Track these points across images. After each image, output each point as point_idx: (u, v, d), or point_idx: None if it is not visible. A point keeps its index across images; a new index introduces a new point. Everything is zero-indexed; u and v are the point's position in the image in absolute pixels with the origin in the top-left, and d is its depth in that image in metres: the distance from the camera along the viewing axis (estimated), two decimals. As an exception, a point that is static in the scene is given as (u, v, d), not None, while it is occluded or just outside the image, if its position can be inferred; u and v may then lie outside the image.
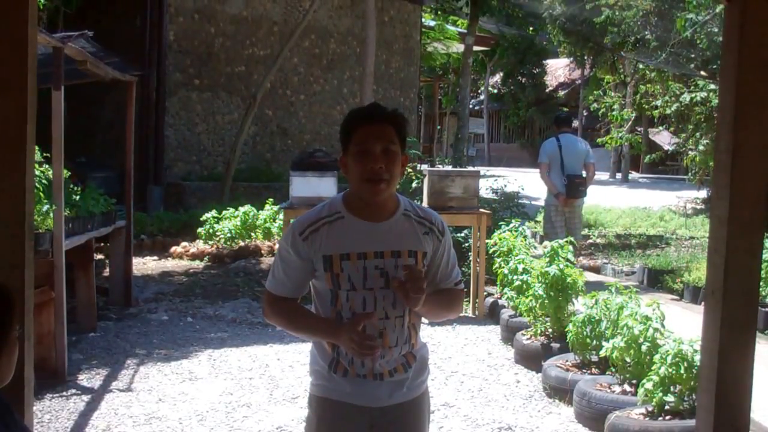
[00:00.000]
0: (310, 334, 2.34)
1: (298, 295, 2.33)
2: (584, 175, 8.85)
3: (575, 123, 33.77)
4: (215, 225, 10.20)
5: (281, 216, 9.20)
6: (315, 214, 2.28)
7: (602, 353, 4.66)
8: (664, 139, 27.59)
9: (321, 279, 2.26)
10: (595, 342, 4.95)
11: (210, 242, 10.21)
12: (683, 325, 5.51)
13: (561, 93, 34.26)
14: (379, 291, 2.23)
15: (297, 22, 13.51)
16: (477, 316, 7.44)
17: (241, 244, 10.19)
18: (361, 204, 2.26)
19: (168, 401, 4.97)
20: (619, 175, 25.63)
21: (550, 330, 5.86)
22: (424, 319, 2.48)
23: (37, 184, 5.34)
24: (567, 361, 5.28)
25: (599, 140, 19.27)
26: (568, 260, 5.83)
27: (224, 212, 10.37)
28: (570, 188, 8.66)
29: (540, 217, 11.43)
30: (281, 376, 5.49)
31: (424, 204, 7.08)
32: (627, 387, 4.55)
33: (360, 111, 2.33)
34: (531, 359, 5.77)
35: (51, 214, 5.35)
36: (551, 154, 8.80)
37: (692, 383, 3.92)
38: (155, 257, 10.18)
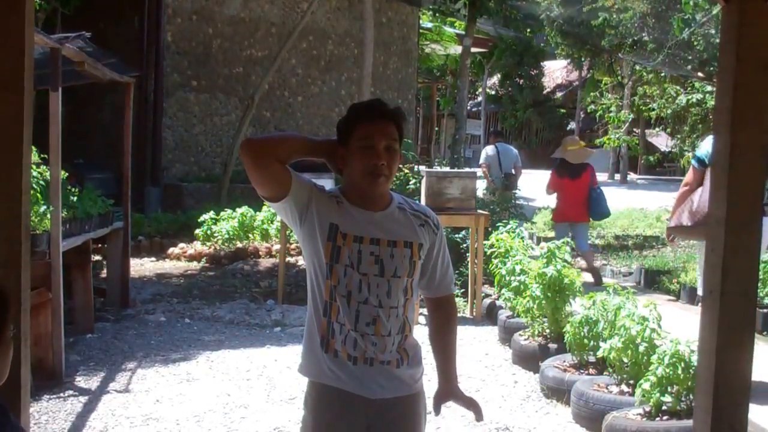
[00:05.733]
0: (295, 137, 2.36)
1: (286, 169, 2.25)
2: (514, 173, 11.43)
3: (572, 125, 33.89)
4: (213, 226, 10.18)
5: (279, 217, 9.20)
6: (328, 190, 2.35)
7: (600, 354, 4.66)
8: (661, 140, 27.63)
9: (318, 249, 2.26)
10: (592, 343, 4.95)
11: (207, 243, 10.20)
12: (680, 326, 5.52)
13: (558, 95, 34.30)
14: (373, 278, 2.25)
15: (295, 24, 13.50)
16: (474, 317, 7.44)
17: (239, 245, 10.18)
18: (357, 196, 2.29)
19: (165, 402, 4.96)
20: (617, 177, 25.63)
21: (547, 331, 5.86)
22: (421, 319, 2.50)
23: (34, 185, 5.33)
24: (564, 361, 5.28)
25: (597, 141, 19.27)
26: (565, 261, 5.83)
27: (222, 213, 10.35)
28: (505, 183, 11.24)
29: (536, 218, 13.29)
30: (278, 378, 5.49)
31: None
32: (624, 387, 4.55)
33: (364, 106, 2.35)
34: (528, 360, 5.77)
35: (48, 216, 5.34)
36: (491, 157, 11.53)
37: (689, 384, 3.93)
38: (153, 258, 10.17)
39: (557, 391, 5.02)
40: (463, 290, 7.78)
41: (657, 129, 23.67)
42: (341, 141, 2.29)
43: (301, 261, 9.51)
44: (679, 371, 3.95)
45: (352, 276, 2.23)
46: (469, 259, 7.72)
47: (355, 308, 2.24)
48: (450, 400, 2.41)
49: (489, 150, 11.71)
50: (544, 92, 33.65)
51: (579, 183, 8.83)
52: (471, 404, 2.39)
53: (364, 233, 2.25)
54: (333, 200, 2.29)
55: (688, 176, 4.99)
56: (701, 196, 4.67)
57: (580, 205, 8.83)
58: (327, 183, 7.62)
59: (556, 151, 9.25)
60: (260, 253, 10.09)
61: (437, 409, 2.39)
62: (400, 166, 6.35)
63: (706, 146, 4.98)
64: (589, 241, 12.86)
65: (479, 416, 2.38)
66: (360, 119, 2.26)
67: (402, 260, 2.27)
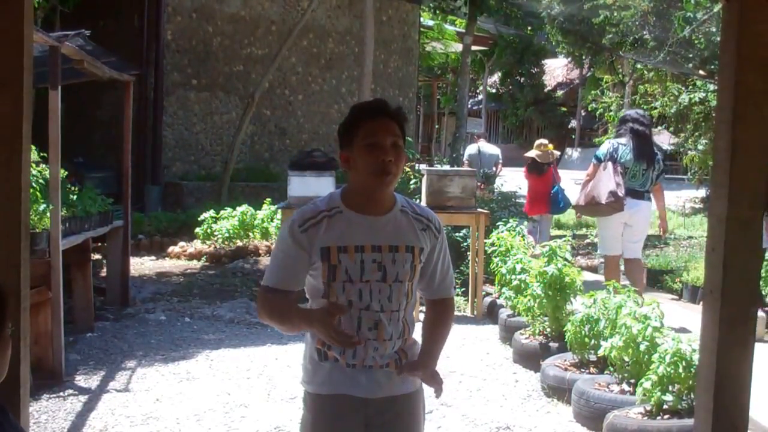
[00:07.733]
0: (289, 323, 2.28)
1: (292, 287, 2.28)
2: (495, 171, 12.68)
3: (573, 123, 33.89)
4: (213, 225, 10.18)
5: (279, 216, 9.20)
6: (314, 207, 2.28)
7: (600, 352, 4.65)
8: (663, 138, 27.56)
9: (317, 273, 2.25)
10: (593, 341, 4.94)
11: (208, 242, 10.20)
12: (682, 325, 5.52)
13: (559, 93, 34.25)
14: (375, 284, 2.23)
15: (295, 22, 13.50)
16: (475, 316, 7.43)
17: (239, 244, 10.17)
18: (360, 199, 2.26)
19: (165, 401, 4.95)
20: (617, 175, 25.54)
21: (548, 329, 5.86)
22: (421, 316, 2.49)
23: (34, 184, 5.32)
24: (565, 360, 5.27)
25: (597, 140, 19.22)
26: (566, 260, 5.82)
27: (222, 212, 10.35)
28: (486, 180, 12.13)
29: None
30: (279, 376, 5.48)
31: (423, 204, 7.09)
32: (625, 386, 4.54)
33: (368, 105, 2.33)
34: (529, 359, 5.77)
35: (48, 214, 5.33)
36: (473, 156, 12.72)
37: (691, 382, 3.92)
38: (153, 257, 10.16)
39: (558, 390, 5.01)
40: (463, 289, 7.78)
41: (659, 127, 23.63)
42: (344, 144, 2.26)
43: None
44: (681, 370, 3.95)
45: (351, 288, 2.22)
46: (469, 258, 7.71)
47: (357, 315, 2.23)
48: (419, 374, 2.33)
49: (471, 149, 13.28)
50: (545, 90, 33.62)
51: (545, 179, 9.95)
52: (434, 379, 2.33)
53: (365, 241, 2.23)
54: (321, 221, 2.24)
55: (589, 169, 6.87)
56: (592, 184, 6.70)
57: (545, 200, 9.95)
58: (328, 182, 7.62)
59: (530, 152, 10.32)
60: (260, 251, 10.08)
61: (400, 371, 2.30)
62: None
63: (603, 147, 6.86)
64: (588, 240, 13.15)
65: (438, 393, 2.36)
66: (364, 118, 2.24)
67: (403, 265, 2.26)
